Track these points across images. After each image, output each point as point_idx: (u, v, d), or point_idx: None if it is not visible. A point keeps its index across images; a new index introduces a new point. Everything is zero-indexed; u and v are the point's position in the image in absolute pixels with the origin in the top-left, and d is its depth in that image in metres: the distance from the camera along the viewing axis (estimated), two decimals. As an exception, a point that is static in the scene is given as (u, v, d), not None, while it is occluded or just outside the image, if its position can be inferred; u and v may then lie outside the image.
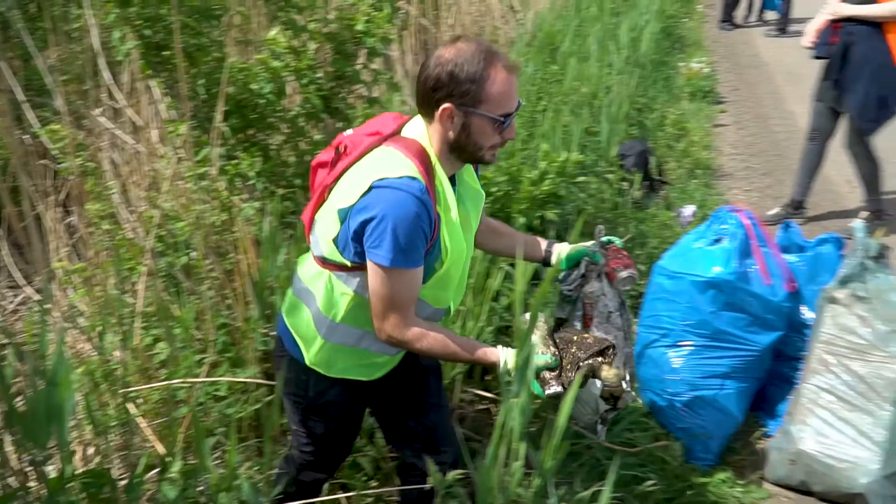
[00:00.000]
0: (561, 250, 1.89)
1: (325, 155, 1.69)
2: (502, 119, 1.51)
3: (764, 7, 9.19)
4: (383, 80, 2.41)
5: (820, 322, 2.26)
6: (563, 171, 2.93)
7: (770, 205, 4.22)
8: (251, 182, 2.52)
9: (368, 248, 1.50)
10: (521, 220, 2.69)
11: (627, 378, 1.72)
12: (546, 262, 1.91)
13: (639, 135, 4.70)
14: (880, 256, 2.24)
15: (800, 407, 2.23)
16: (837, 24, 3.47)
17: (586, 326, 1.88)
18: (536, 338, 1.65)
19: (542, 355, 1.62)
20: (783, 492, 2.26)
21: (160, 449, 1.93)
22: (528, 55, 5.12)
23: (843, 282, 2.23)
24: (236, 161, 2.48)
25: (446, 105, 1.49)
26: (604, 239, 1.91)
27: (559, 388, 1.58)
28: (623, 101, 4.59)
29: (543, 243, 1.92)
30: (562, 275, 1.92)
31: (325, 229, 1.59)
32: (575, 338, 1.72)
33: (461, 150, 1.56)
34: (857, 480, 2.09)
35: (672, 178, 4.31)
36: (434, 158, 1.56)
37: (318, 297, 1.65)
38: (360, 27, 2.16)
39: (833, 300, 2.22)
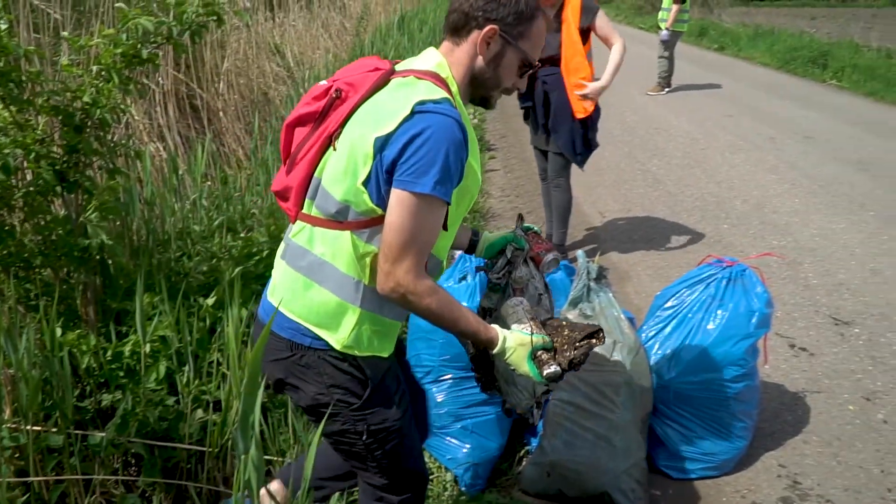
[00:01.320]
0: (485, 238, 1.91)
1: (305, 107, 1.53)
2: (530, 63, 1.52)
3: None
4: (123, 149, 2.37)
5: (558, 342, 2.51)
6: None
7: (534, 240, 4.62)
8: (-18, 267, 2.34)
9: (404, 174, 1.35)
10: (256, 286, 2.73)
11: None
12: (470, 249, 1.91)
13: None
14: (600, 278, 2.55)
15: (550, 422, 2.45)
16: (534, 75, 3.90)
17: None
18: (527, 321, 1.62)
19: (538, 334, 1.56)
20: (545, 503, 2.46)
21: None
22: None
23: (573, 303, 2.51)
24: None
25: (493, 26, 1.46)
26: (525, 226, 1.96)
27: (556, 368, 1.54)
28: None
29: (468, 232, 1.91)
30: (488, 263, 1.93)
31: (345, 177, 1.43)
32: (564, 322, 1.70)
33: (479, 84, 1.53)
34: (602, 480, 2.33)
35: (445, 223, 4.59)
36: (455, 89, 1.50)
37: (343, 260, 1.48)
38: (86, 99, 2.11)
39: (566, 321, 2.49)
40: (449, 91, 1.47)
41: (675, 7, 9.18)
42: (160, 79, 4.39)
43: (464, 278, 2.50)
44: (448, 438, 2.47)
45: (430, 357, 2.48)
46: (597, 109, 3.85)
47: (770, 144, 7.15)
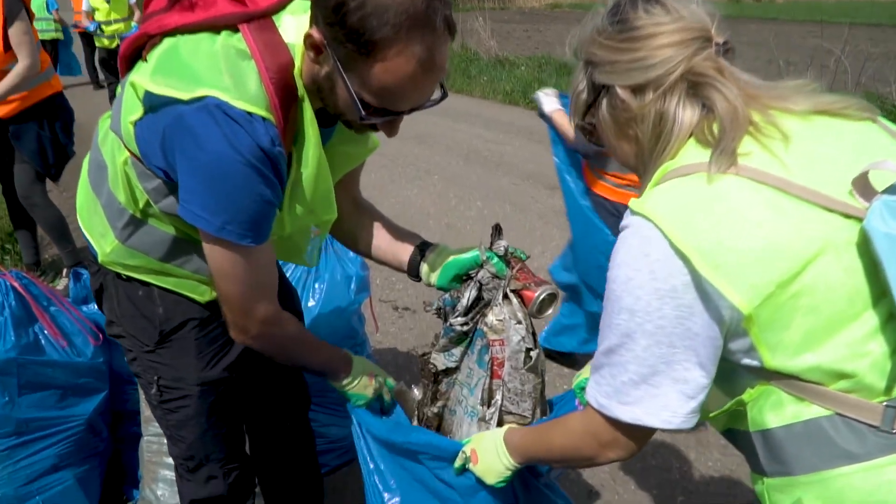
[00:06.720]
0: (438, 257, 1.31)
1: None
2: (364, 109, 1.02)
3: None
4: None
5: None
6: None
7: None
8: None
9: (199, 213, 1.03)
10: None
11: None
12: (413, 272, 1.35)
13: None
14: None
15: (147, 464, 1.98)
16: None
17: (494, 377, 1.20)
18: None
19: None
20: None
21: None
22: None
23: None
24: None
25: (318, 33, 0.99)
26: (503, 247, 1.23)
27: None
28: None
29: (409, 249, 1.38)
30: (443, 298, 1.24)
31: (128, 100, 1.10)
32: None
33: (320, 98, 1.09)
34: None
35: None
36: (301, 87, 1.07)
37: (112, 177, 1.20)
38: None
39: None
40: (286, 88, 1.04)
41: None
42: None
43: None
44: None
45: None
46: (67, 112, 3.32)
47: (339, 129, 7.41)
